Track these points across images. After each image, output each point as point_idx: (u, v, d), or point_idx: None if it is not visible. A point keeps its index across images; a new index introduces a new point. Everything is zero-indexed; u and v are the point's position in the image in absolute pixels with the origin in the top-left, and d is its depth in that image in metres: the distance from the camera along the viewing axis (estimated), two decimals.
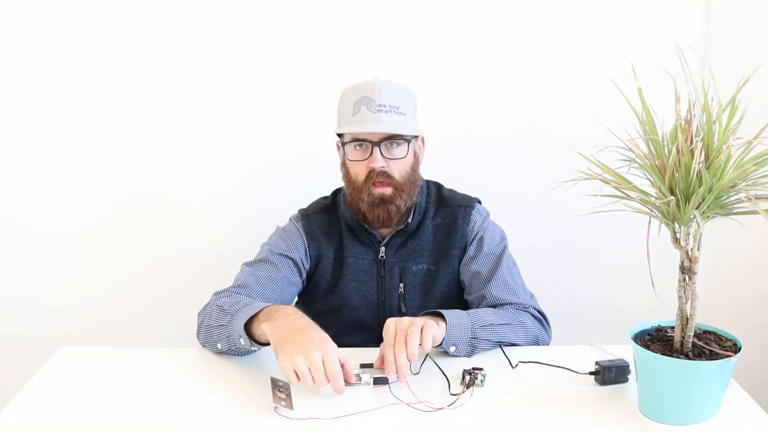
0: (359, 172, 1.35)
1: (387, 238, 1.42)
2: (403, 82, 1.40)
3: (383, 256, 1.42)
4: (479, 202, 1.50)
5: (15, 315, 1.97)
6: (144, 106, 1.85)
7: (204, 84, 1.83)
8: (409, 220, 1.41)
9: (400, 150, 1.34)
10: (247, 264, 1.41)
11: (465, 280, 1.42)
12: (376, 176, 1.33)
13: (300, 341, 1.06)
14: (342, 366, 1.07)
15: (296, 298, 1.49)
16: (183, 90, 1.84)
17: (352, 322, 1.43)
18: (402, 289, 1.42)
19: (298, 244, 1.44)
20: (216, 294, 1.33)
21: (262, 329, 1.14)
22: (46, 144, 1.86)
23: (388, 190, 1.34)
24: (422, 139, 1.44)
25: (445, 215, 1.45)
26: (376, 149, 1.31)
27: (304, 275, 1.44)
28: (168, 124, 1.86)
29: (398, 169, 1.34)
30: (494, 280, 1.37)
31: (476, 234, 1.43)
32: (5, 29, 1.79)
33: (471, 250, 1.42)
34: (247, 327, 1.16)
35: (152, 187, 1.90)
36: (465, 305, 1.43)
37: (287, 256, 1.42)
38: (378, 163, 1.32)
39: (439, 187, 1.51)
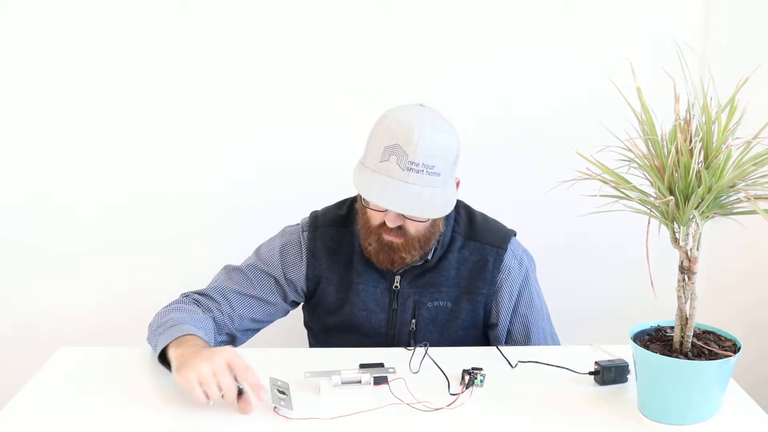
0: (374, 217, 1.25)
1: (403, 268, 1.31)
2: (448, 128, 1.22)
3: (397, 286, 1.32)
4: (515, 234, 1.38)
5: (15, 315, 1.97)
6: (143, 107, 1.84)
7: (204, 84, 1.83)
8: (429, 257, 1.31)
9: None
10: (227, 269, 1.37)
11: (491, 333, 1.36)
12: (389, 228, 1.23)
13: (203, 355, 1.04)
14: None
15: (297, 309, 1.45)
16: (183, 90, 1.83)
17: (359, 344, 1.33)
18: (413, 326, 1.33)
19: (295, 262, 1.35)
20: (182, 295, 1.32)
21: (169, 355, 1.12)
22: (46, 148, 1.85)
23: (398, 240, 1.24)
24: (457, 181, 1.29)
25: (474, 251, 1.33)
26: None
27: (290, 296, 1.37)
28: (167, 124, 1.85)
29: (415, 227, 1.24)
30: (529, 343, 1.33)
31: (511, 285, 1.34)
32: (4, 29, 1.78)
33: (503, 306, 1.33)
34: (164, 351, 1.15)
35: (152, 186, 1.90)
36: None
37: (269, 275, 1.34)
38: (393, 223, 1.22)
39: (471, 214, 1.37)
